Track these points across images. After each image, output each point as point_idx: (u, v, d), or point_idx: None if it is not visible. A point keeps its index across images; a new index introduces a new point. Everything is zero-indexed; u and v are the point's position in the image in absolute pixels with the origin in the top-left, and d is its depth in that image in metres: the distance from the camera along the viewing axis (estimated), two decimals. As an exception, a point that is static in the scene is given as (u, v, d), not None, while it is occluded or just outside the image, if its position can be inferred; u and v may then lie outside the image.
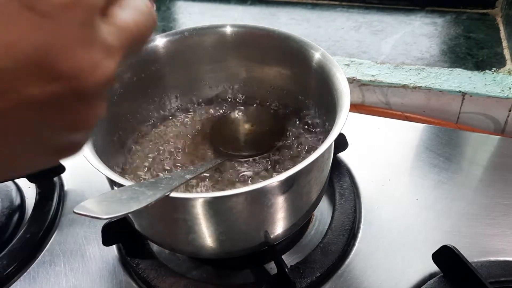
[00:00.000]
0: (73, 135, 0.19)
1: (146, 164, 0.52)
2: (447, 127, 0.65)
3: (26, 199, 0.57)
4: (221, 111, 0.59)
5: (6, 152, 0.18)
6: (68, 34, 0.17)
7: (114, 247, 0.50)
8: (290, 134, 0.54)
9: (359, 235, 0.50)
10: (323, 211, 0.54)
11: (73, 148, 0.20)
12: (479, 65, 0.72)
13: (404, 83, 0.70)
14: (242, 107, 0.59)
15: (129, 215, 0.44)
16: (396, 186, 0.56)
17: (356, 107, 0.73)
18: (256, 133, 0.56)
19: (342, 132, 0.46)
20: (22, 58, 0.16)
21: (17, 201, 0.56)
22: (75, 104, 0.18)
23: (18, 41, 0.16)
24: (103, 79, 0.18)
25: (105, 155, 0.45)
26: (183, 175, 0.39)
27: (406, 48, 0.78)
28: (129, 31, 0.20)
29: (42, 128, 0.18)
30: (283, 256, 0.48)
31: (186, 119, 0.58)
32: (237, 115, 0.58)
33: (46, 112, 0.17)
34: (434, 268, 0.46)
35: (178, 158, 0.52)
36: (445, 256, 0.44)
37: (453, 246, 0.44)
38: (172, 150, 0.53)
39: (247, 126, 0.57)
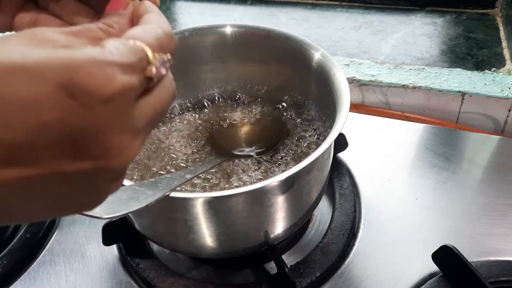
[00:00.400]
0: (90, 200, 0.21)
1: (146, 163, 0.52)
2: (447, 127, 0.65)
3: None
4: (221, 111, 0.59)
5: (28, 209, 0.20)
6: (103, 122, 0.18)
7: (114, 247, 0.50)
8: (290, 134, 0.54)
9: (359, 234, 0.50)
10: (323, 211, 0.54)
11: (88, 208, 0.22)
12: (479, 65, 0.72)
13: (404, 83, 0.70)
14: (242, 107, 0.59)
15: (129, 215, 0.44)
16: (396, 186, 0.56)
17: (356, 107, 0.73)
18: (256, 133, 0.56)
19: (342, 132, 0.46)
20: (58, 137, 0.17)
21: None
22: (98, 179, 0.19)
23: (58, 122, 0.17)
24: (129, 160, 0.20)
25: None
26: (183, 175, 0.39)
27: (406, 48, 0.78)
28: (156, 112, 0.21)
29: (64, 195, 0.19)
30: (283, 256, 0.48)
31: (185, 119, 0.58)
32: (237, 115, 0.58)
33: (71, 183, 0.19)
34: (434, 267, 0.46)
35: (178, 158, 0.52)
36: (445, 256, 0.44)
37: (453, 246, 0.44)
38: (172, 149, 0.54)
39: (247, 126, 0.57)
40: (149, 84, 0.21)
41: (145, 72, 0.20)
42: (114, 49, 0.19)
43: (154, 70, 0.20)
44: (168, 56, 0.22)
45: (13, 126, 0.16)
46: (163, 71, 0.21)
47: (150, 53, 0.20)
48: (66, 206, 0.20)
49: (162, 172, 0.51)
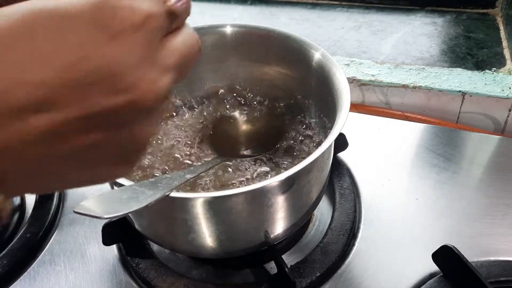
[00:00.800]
0: (129, 149, 0.21)
1: (146, 163, 0.52)
2: (447, 127, 0.65)
3: (26, 198, 0.57)
4: (221, 110, 0.59)
5: (68, 169, 0.19)
6: (134, 52, 0.19)
7: (114, 246, 0.50)
8: (290, 134, 0.54)
9: (359, 234, 0.50)
10: (323, 211, 0.54)
11: (128, 163, 0.22)
12: (479, 65, 0.72)
13: (404, 83, 0.70)
14: (242, 107, 0.59)
15: (129, 214, 0.44)
16: (396, 186, 0.56)
17: (356, 107, 0.73)
18: (256, 133, 0.56)
19: (342, 132, 0.46)
20: (92, 71, 0.17)
21: (17, 200, 0.56)
22: (133, 118, 0.20)
23: (90, 56, 0.17)
24: (159, 95, 0.20)
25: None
26: (183, 175, 0.39)
27: (406, 48, 0.78)
28: (182, 54, 0.22)
29: (103, 142, 0.19)
30: (283, 256, 0.48)
31: (185, 118, 0.58)
32: (237, 115, 0.58)
33: (107, 128, 0.19)
34: (434, 268, 0.46)
35: (178, 157, 0.52)
36: (445, 256, 0.44)
37: (453, 246, 0.44)
38: (171, 149, 0.53)
39: (247, 126, 0.57)
40: (172, 21, 0.22)
41: (166, 4, 0.21)
42: None
43: (172, 1, 0.21)
44: None
45: (45, 64, 0.17)
46: (182, 4, 0.22)
47: None
48: (105, 159, 0.20)
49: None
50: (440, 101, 0.69)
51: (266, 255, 0.48)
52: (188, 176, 0.40)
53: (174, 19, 0.22)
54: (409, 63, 0.74)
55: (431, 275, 0.46)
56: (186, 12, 0.24)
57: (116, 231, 0.47)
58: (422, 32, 0.82)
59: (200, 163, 0.51)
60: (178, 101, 0.59)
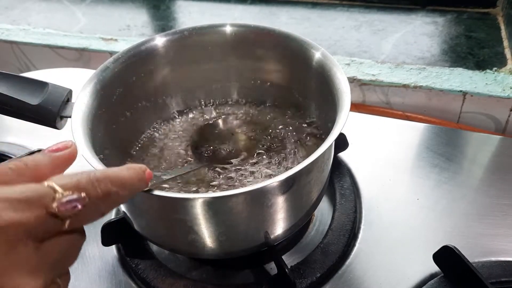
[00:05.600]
0: None
1: (146, 163, 0.51)
2: (448, 127, 0.65)
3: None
4: (221, 110, 0.59)
5: None
6: None
7: (113, 247, 0.50)
8: (290, 133, 0.54)
9: (360, 235, 0.50)
10: (323, 211, 0.53)
11: None
12: (480, 65, 0.72)
13: (404, 83, 0.69)
14: (241, 107, 0.59)
15: (128, 215, 0.44)
16: (397, 186, 0.56)
17: (356, 107, 0.73)
18: (255, 132, 0.56)
19: (342, 132, 0.46)
20: None
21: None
22: None
23: None
24: None
25: (104, 154, 0.45)
26: (159, 176, 0.39)
27: (406, 48, 0.78)
28: (55, 257, 0.22)
29: None
30: (283, 257, 0.48)
31: (185, 119, 0.58)
32: (236, 114, 0.58)
33: None
34: (434, 268, 0.46)
35: (178, 158, 0.52)
36: (446, 256, 0.44)
37: (454, 246, 0.44)
38: (170, 149, 0.53)
39: (246, 125, 0.57)
40: (58, 224, 0.21)
41: (48, 208, 0.20)
42: (7, 189, 0.20)
43: (55, 204, 0.21)
44: (82, 194, 0.22)
45: None
46: (70, 208, 0.21)
47: (59, 189, 0.21)
48: None
49: (157, 173, 0.50)
50: (441, 101, 0.69)
51: (266, 255, 0.48)
52: (165, 177, 0.40)
53: (60, 221, 0.21)
54: (409, 63, 0.74)
55: (432, 276, 0.45)
56: (76, 216, 0.23)
57: (116, 232, 0.47)
58: (423, 32, 0.82)
59: (179, 166, 0.51)
60: (176, 106, 0.58)
